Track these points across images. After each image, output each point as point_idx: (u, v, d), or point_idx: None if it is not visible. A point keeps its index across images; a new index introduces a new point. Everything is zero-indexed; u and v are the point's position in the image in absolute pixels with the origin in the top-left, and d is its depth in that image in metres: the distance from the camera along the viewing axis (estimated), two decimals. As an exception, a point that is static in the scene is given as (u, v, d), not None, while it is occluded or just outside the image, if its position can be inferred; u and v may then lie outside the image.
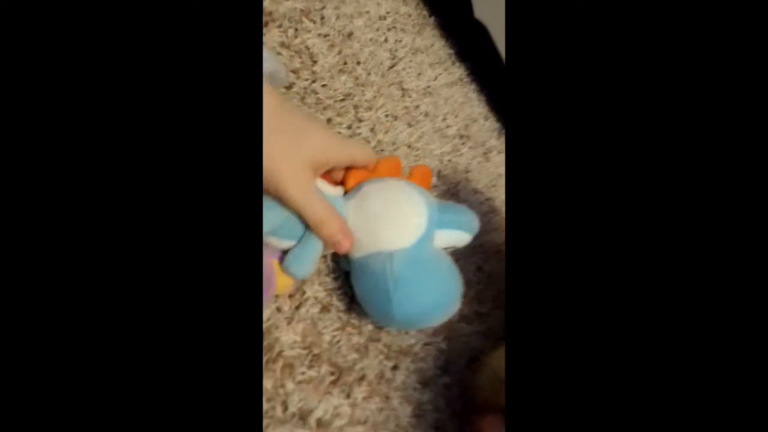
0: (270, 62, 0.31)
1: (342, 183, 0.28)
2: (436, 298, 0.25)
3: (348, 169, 0.27)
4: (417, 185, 0.28)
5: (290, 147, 0.23)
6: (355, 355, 0.27)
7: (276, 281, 0.24)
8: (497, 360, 0.27)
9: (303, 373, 0.25)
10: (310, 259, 0.25)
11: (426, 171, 0.30)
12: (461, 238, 0.28)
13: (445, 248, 0.28)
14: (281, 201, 0.24)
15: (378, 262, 0.25)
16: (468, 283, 0.36)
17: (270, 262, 0.24)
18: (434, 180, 0.40)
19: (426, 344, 0.30)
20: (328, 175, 0.27)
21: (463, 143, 0.45)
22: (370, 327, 0.29)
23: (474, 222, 0.28)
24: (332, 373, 0.26)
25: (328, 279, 0.29)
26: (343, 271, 0.29)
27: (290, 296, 0.26)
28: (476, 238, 0.41)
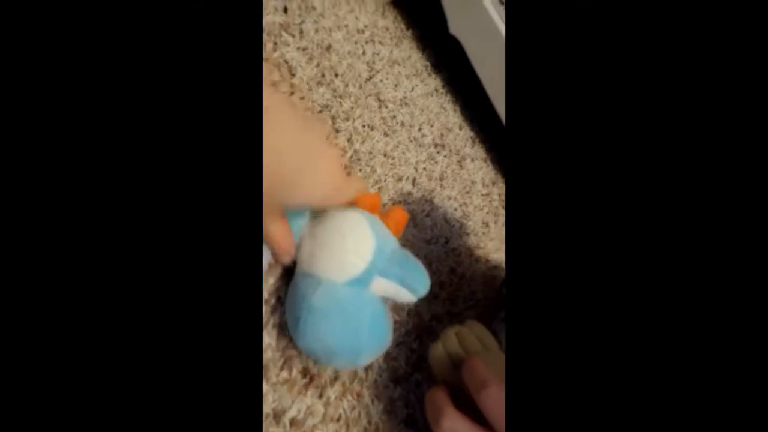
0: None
1: None
2: (339, 344, 0.25)
3: None
4: (384, 225, 0.28)
5: (277, 190, 0.22)
6: (329, 356, 0.28)
7: None
8: (448, 342, 0.28)
9: (277, 375, 0.26)
10: None
11: (401, 217, 0.31)
12: (400, 293, 0.27)
13: (386, 299, 0.27)
14: None
15: (305, 285, 0.25)
16: (441, 285, 0.38)
17: None
18: (409, 187, 0.42)
19: (398, 344, 0.32)
20: None
21: (438, 152, 0.47)
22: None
23: (421, 285, 0.27)
24: (306, 375, 0.27)
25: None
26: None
27: (265, 301, 0.27)
28: (450, 241, 0.43)
